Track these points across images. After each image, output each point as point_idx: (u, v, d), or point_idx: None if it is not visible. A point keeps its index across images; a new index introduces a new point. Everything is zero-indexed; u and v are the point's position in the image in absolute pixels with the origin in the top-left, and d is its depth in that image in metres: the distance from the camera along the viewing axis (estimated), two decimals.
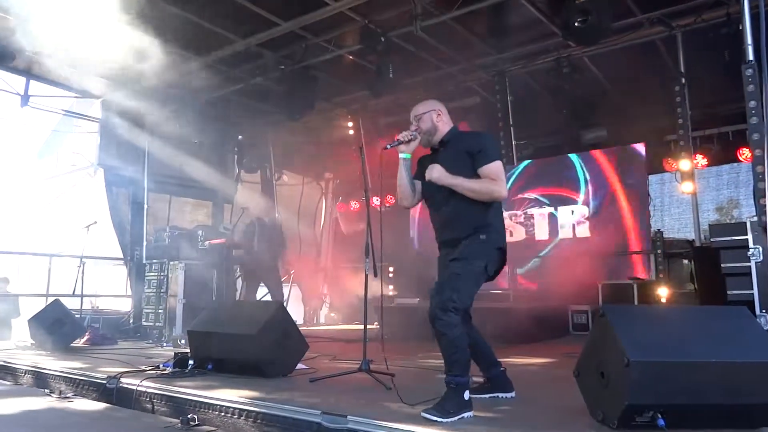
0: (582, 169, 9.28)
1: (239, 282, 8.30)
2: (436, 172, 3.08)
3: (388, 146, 3.30)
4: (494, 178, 3.02)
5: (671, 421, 2.40)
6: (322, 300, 12.21)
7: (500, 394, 3.32)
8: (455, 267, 3.02)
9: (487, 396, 3.29)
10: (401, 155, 3.25)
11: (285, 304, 7.83)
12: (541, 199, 9.67)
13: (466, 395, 2.83)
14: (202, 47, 7.39)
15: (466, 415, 2.78)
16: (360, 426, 2.76)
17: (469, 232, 3.08)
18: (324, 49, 7.37)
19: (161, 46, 7.26)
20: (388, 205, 11.46)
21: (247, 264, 7.49)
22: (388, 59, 6.78)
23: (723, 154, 8.65)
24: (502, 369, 3.36)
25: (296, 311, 11.10)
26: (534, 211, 9.73)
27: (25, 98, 8.00)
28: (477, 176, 3.05)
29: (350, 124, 9.80)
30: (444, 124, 3.26)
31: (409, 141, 3.21)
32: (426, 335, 6.60)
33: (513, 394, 3.32)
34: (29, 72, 7.97)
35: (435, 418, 2.69)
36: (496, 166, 3.04)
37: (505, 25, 7.02)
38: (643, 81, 7.35)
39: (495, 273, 3.17)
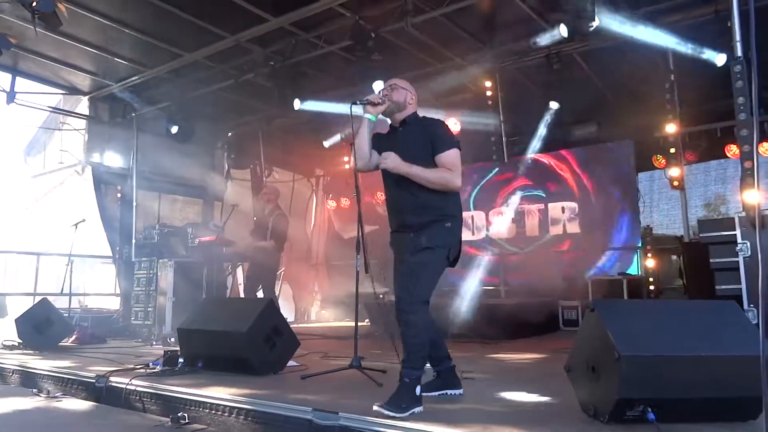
0: (572, 165, 9.34)
1: (229, 279, 8.26)
2: (392, 161, 3.05)
3: (357, 102, 3.22)
4: (450, 168, 3.03)
5: (662, 414, 2.42)
6: (314, 297, 12.19)
7: (449, 391, 3.30)
8: (422, 257, 3.00)
9: (436, 394, 3.26)
10: (366, 115, 3.17)
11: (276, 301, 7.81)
12: (531, 195, 9.70)
13: (418, 390, 2.86)
14: (191, 43, 7.33)
15: (416, 410, 2.78)
16: (351, 422, 2.76)
17: (433, 219, 3.06)
18: (314, 46, 7.34)
19: (150, 43, 7.22)
20: (379, 201, 11.49)
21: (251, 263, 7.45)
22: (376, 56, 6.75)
23: (711, 150, 8.72)
24: (452, 365, 3.36)
25: (287, 308, 11.07)
26: (524, 207, 9.76)
27: (11, 95, 7.89)
28: (434, 163, 3.05)
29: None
30: (412, 106, 3.28)
31: (377, 104, 3.17)
32: None
33: (461, 391, 3.31)
34: (15, 68, 7.87)
35: (390, 413, 2.69)
36: (453, 155, 3.06)
37: (496, 21, 7.02)
38: (632, 78, 7.37)
39: (455, 261, 3.15)
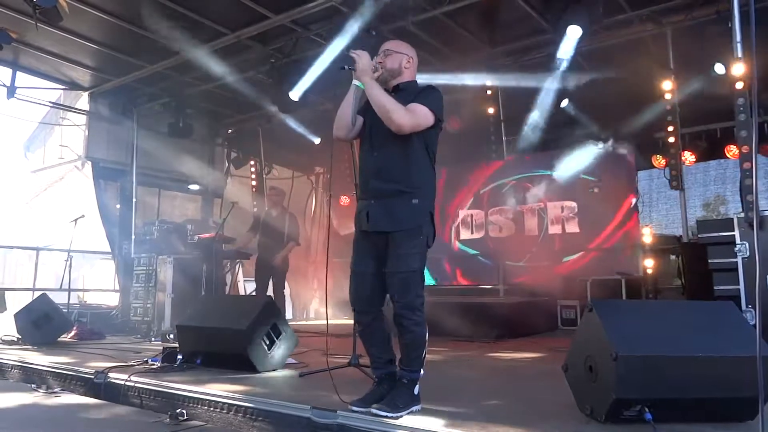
0: (572, 164, 9.33)
1: (229, 276, 8.27)
2: (364, 60, 2.86)
3: (346, 67, 2.96)
4: (412, 110, 2.83)
5: (659, 415, 2.43)
6: (313, 294, 12.20)
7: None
8: (408, 262, 2.84)
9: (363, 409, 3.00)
10: (355, 82, 2.95)
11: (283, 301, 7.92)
12: (530, 194, 9.70)
13: (416, 389, 2.86)
14: (191, 40, 7.31)
15: (414, 408, 2.80)
16: (349, 421, 2.77)
17: (403, 189, 2.86)
18: (315, 43, 7.33)
19: (150, 39, 7.21)
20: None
21: (261, 258, 7.52)
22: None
23: (710, 150, 8.72)
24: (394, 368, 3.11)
25: (286, 306, 11.07)
26: (523, 206, 9.76)
27: (12, 90, 7.87)
28: (420, 136, 2.89)
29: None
30: (409, 72, 3.07)
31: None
32: None
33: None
34: (16, 63, 7.85)
35: (385, 414, 2.69)
36: (424, 109, 2.85)
37: (497, 20, 7.02)
38: (633, 77, 7.37)
39: (432, 242, 2.98)
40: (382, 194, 2.91)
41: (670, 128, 7.07)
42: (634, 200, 8.79)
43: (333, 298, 11.56)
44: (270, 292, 7.47)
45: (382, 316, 3.06)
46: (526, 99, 8.09)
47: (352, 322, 4.18)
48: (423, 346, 2.88)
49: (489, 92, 8.27)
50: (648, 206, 9.89)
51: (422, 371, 2.91)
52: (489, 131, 8.55)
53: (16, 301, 8.03)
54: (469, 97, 8.45)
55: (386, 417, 2.68)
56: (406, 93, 2.98)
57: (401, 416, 2.70)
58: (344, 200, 11.79)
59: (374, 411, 2.72)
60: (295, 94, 7.55)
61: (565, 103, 7.71)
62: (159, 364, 4.25)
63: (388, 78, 3.03)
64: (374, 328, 3.04)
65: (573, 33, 5.98)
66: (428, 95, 2.92)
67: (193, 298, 6.27)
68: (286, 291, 11.67)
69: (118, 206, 8.91)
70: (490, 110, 8.56)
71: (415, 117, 2.84)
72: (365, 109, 3.03)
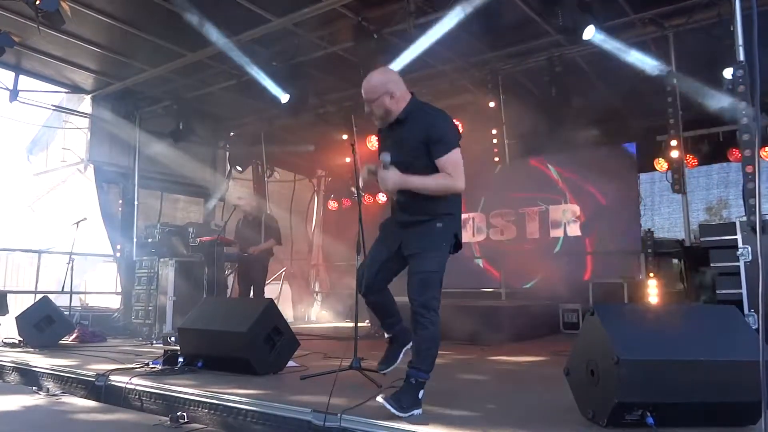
0: (573, 168, 9.32)
1: (230, 279, 8.27)
2: (391, 182, 2.93)
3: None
4: (450, 172, 2.89)
5: (660, 419, 2.42)
6: (314, 297, 12.20)
7: (405, 349, 3.40)
8: (428, 265, 2.98)
9: (389, 369, 3.45)
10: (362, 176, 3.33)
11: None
12: (532, 197, 9.70)
13: (421, 394, 2.88)
14: (194, 43, 7.33)
15: (416, 412, 2.81)
16: (350, 424, 2.76)
17: (427, 219, 3.01)
18: (316, 46, 7.34)
19: (153, 42, 7.23)
20: (380, 202, 11.47)
21: (243, 263, 7.47)
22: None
23: (713, 154, 8.70)
24: (402, 324, 3.43)
25: (287, 309, 11.08)
26: (525, 210, 9.76)
27: (14, 93, 7.91)
28: (431, 162, 2.93)
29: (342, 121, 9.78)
30: (397, 103, 3.02)
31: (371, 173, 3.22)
32: None
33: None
34: (18, 66, 7.88)
35: (393, 410, 2.72)
36: (453, 157, 2.90)
37: (498, 23, 7.02)
38: (634, 80, 7.36)
39: (455, 250, 3.15)
40: (410, 224, 3.08)
41: (672, 131, 7.06)
42: (636, 204, 8.78)
43: (334, 300, 11.51)
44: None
45: (386, 291, 3.34)
46: (527, 102, 8.10)
47: (353, 325, 4.20)
48: (435, 345, 2.98)
49: (490, 94, 8.26)
50: (650, 210, 9.86)
51: (429, 376, 2.95)
52: (490, 134, 8.55)
53: (18, 304, 8.03)
54: (470, 99, 8.45)
55: (393, 412, 2.72)
56: (410, 123, 3.01)
57: (405, 416, 2.73)
58: (346, 204, 11.79)
59: (383, 402, 2.75)
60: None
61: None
62: (160, 367, 4.25)
63: (386, 117, 3.07)
64: (381, 303, 3.37)
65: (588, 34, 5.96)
66: (441, 137, 2.93)
67: (194, 301, 6.26)
68: (288, 294, 11.72)
69: (120, 209, 8.92)
70: (492, 113, 8.54)
71: (456, 168, 2.91)
72: (389, 145, 3.09)
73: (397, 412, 2.72)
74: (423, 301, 2.94)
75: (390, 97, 3.01)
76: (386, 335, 3.53)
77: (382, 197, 10.33)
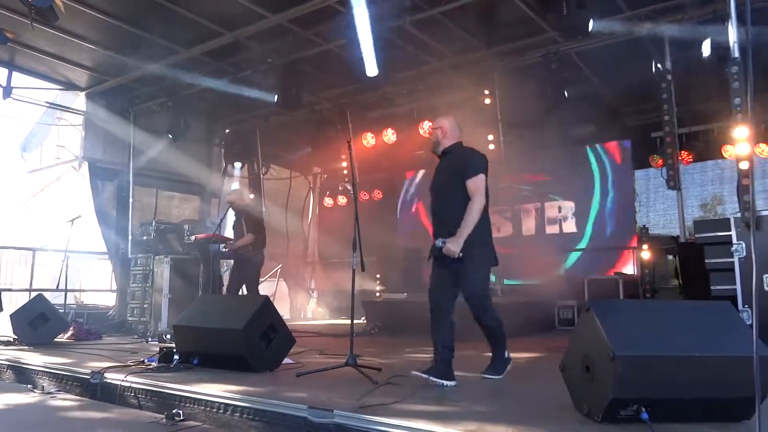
0: (569, 165, 9.34)
1: (226, 276, 8.24)
2: (455, 249, 3.58)
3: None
4: (473, 191, 3.67)
5: (655, 414, 2.43)
6: (310, 294, 12.20)
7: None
8: (475, 273, 3.70)
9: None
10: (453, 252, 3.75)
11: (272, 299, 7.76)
12: (528, 195, 9.72)
13: (506, 353, 3.86)
14: (189, 39, 7.31)
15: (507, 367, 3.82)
16: (346, 420, 2.76)
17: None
18: (312, 43, 7.33)
19: (148, 38, 7.20)
20: (376, 199, 11.47)
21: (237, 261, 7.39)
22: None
23: (708, 150, 8.73)
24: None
25: (283, 306, 11.07)
26: (521, 206, 9.77)
27: (8, 90, 7.86)
28: (462, 184, 3.68)
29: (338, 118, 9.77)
30: (447, 139, 3.88)
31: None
32: (413, 330, 6.63)
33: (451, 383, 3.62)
34: (12, 63, 7.84)
35: (492, 376, 3.74)
36: (478, 180, 3.70)
37: (495, 20, 7.02)
38: (629, 77, 7.38)
39: (494, 260, 3.83)
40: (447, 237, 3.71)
41: (667, 128, 7.08)
42: (631, 200, 8.81)
43: (330, 297, 11.51)
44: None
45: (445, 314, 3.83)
46: (523, 99, 8.10)
47: (349, 322, 4.20)
48: (501, 331, 3.82)
49: (486, 91, 8.26)
50: (645, 206, 9.90)
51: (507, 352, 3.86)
52: (486, 131, 8.55)
53: (13, 302, 7.99)
54: (466, 96, 8.45)
55: (494, 378, 3.73)
56: (452, 155, 3.88)
57: (503, 376, 3.76)
58: (341, 200, 11.79)
59: (484, 375, 3.75)
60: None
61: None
62: (156, 365, 4.24)
63: (435, 147, 3.93)
64: (437, 319, 3.79)
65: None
66: (470, 165, 3.75)
67: (190, 299, 6.25)
68: (284, 291, 11.70)
69: (114, 207, 8.89)
70: (488, 110, 8.55)
71: (478, 189, 3.69)
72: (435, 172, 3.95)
73: (496, 376, 3.76)
74: (478, 305, 3.75)
75: (441, 132, 3.90)
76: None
77: (377, 194, 10.32)
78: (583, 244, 9.12)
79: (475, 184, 3.68)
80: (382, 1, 6.10)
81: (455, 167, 3.75)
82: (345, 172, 10.83)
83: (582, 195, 9.23)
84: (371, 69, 6.74)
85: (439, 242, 3.69)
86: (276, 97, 7.82)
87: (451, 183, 3.76)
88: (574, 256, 9.11)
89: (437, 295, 3.75)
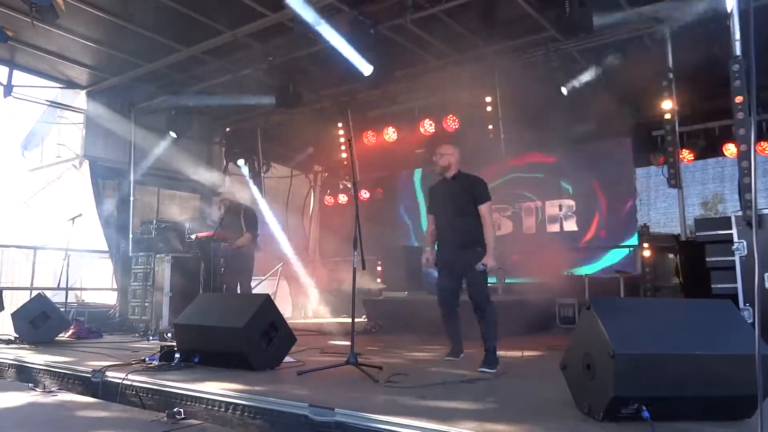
0: (569, 163, 9.32)
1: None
2: (493, 262, 4.49)
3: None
4: (485, 214, 4.58)
5: (656, 412, 2.43)
6: (310, 293, 12.17)
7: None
8: (483, 273, 4.51)
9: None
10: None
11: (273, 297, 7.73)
12: (529, 193, 9.71)
13: (496, 353, 4.32)
14: (189, 38, 7.30)
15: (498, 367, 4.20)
16: (347, 419, 2.76)
17: (470, 246, 4.53)
18: (312, 41, 7.31)
19: (148, 37, 7.19)
20: (377, 198, 11.46)
21: (229, 258, 7.36)
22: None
23: (709, 149, 8.72)
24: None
25: (284, 304, 11.07)
26: (522, 204, 9.76)
27: (8, 88, 7.85)
28: (475, 206, 4.57)
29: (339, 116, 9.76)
30: (455, 165, 4.72)
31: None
32: (414, 328, 6.64)
33: None
34: (12, 61, 7.83)
35: (488, 370, 4.08)
36: (487, 207, 4.61)
37: (496, 18, 7.01)
38: (630, 75, 7.36)
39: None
40: (460, 248, 4.60)
41: (668, 126, 7.06)
42: (632, 198, 8.80)
43: (331, 296, 11.49)
44: None
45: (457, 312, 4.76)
46: (523, 97, 8.09)
47: (350, 320, 4.20)
48: (496, 323, 4.43)
49: (486, 89, 8.25)
50: (646, 204, 9.89)
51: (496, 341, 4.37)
52: (487, 129, 8.54)
53: (14, 300, 8.00)
54: (467, 96, 8.44)
55: (489, 372, 4.05)
56: (460, 180, 4.73)
57: (498, 370, 4.11)
58: (342, 199, 11.77)
59: (482, 370, 4.09)
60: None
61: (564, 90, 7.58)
62: (157, 363, 4.25)
63: (443, 171, 4.73)
64: (452, 318, 4.77)
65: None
66: (481, 192, 4.64)
67: (191, 297, 6.24)
68: (285, 289, 11.70)
69: (115, 205, 8.89)
70: (488, 108, 8.54)
71: (488, 217, 4.60)
72: (443, 195, 4.79)
73: (491, 370, 4.08)
74: (480, 300, 4.48)
75: (451, 159, 4.71)
76: None
77: (378, 193, 10.30)
78: (583, 242, 9.11)
79: (487, 208, 4.62)
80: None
81: (468, 192, 4.63)
82: (346, 170, 10.82)
83: (583, 193, 9.21)
84: (365, 69, 6.78)
85: (480, 266, 4.45)
86: (276, 96, 7.80)
87: (468, 205, 4.62)
88: (574, 254, 9.06)
89: (453, 302, 4.67)
